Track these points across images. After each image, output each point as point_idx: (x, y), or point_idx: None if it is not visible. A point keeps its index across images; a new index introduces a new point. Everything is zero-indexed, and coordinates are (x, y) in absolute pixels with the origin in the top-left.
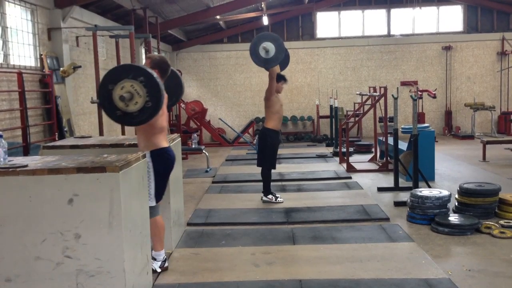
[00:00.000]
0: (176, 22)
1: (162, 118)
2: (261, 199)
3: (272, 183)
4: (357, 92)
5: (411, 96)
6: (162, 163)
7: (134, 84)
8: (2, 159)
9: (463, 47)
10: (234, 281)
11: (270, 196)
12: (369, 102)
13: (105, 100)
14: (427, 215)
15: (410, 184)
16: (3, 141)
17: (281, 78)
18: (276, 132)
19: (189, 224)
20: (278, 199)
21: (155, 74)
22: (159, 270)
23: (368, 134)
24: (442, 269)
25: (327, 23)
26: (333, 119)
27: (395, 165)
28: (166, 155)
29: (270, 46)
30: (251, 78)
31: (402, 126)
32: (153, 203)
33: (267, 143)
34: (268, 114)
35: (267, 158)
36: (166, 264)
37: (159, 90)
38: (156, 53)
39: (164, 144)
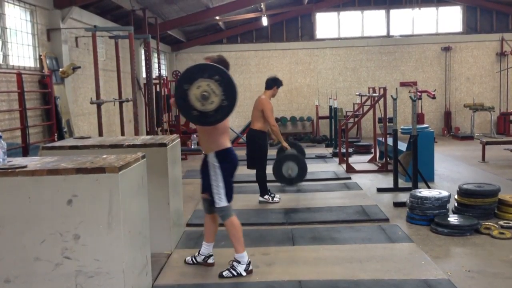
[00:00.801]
0: (175, 22)
1: (226, 120)
2: (259, 200)
3: (271, 184)
4: (357, 93)
5: (410, 96)
6: (228, 162)
7: (210, 83)
8: (1, 160)
9: (462, 47)
10: (233, 282)
11: (266, 197)
12: (368, 102)
13: (181, 100)
14: (426, 215)
15: (409, 184)
16: (2, 141)
17: (278, 84)
18: (264, 133)
19: (188, 225)
20: (275, 198)
21: (229, 72)
22: (244, 274)
23: (368, 135)
24: (441, 269)
25: (327, 23)
26: (333, 119)
27: (395, 165)
28: (231, 155)
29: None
30: (250, 79)
31: (402, 127)
32: (225, 203)
33: (256, 145)
34: (256, 117)
35: (257, 160)
36: (251, 267)
37: (234, 88)
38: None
39: (228, 144)
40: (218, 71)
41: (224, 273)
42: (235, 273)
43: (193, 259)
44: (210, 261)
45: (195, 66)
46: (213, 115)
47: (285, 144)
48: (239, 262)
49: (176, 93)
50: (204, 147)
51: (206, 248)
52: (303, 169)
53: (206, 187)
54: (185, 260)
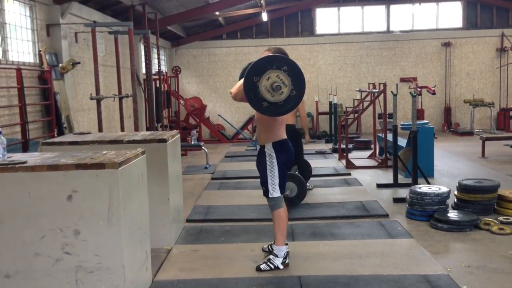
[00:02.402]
0: (175, 18)
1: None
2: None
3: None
4: (357, 89)
5: (410, 92)
6: (283, 153)
7: (280, 74)
8: (1, 156)
9: (462, 43)
10: (233, 277)
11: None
12: (368, 98)
13: (250, 93)
14: (426, 211)
15: (409, 180)
16: (2, 137)
17: None
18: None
19: (188, 221)
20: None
21: (296, 62)
22: (281, 267)
23: (368, 131)
24: (441, 265)
25: (327, 19)
26: (333, 115)
27: (394, 161)
28: (287, 146)
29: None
30: None
31: (401, 123)
32: (278, 194)
33: (299, 138)
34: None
35: (301, 152)
36: (287, 261)
37: (302, 77)
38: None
39: (285, 136)
40: (286, 62)
41: (261, 266)
42: (272, 266)
43: (269, 247)
44: (285, 249)
45: (263, 59)
46: (283, 105)
47: (308, 137)
48: (276, 256)
49: (246, 86)
50: (262, 138)
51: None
52: (302, 192)
53: (263, 179)
54: (262, 248)
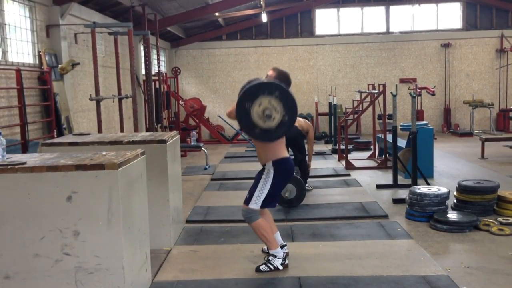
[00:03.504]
0: (174, 19)
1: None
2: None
3: None
4: (356, 90)
5: (410, 93)
6: (282, 175)
7: (272, 100)
8: (0, 156)
9: (462, 44)
10: (233, 278)
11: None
12: (368, 99)
13: (243, 119)
14: (425, 212)
15: (408, 181)
16: (1, 138)
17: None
18: None
19: (188, 222)
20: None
21: (288, 87)
22: (281, 267)
23: (367, 132)
24: (440, 266)
25: (326, 20)
26: (332, 116)
27: (394, 162)
28: (288, 165)
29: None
30: (250, 75)
31: (401, 124)
32: (256, 207)
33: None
34: None
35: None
36: (287, 261)
37: (294, 103)
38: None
39: (285, 154)
40: (278, 88)
41: (261, 267)
42: (272, 267)
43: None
44: (284, 250)
45: (255, 85)
46: (275, 131)
47: (311, 164)
48: (275, 257)
49: (238, 112)
50: (262, 158)
51: (276, 238)
52: (301, 194)
53: (252, 188)
54: (262, 249)
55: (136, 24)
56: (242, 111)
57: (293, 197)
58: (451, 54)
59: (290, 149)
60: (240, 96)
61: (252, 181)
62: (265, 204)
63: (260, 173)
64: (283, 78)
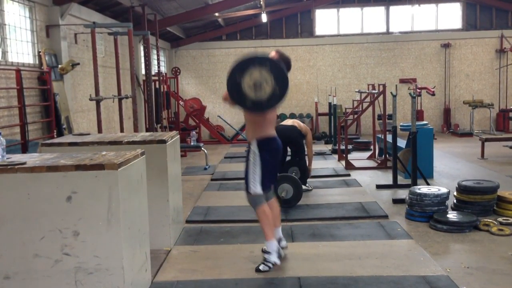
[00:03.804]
0: (174, 19)
1: (273, 114)
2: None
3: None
4: (356, 90)
5: (409, 93)
6: (268, 152)
7: (262, 72)
8: (0, 157)
9: (462, 44)
10: (233, 278)
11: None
12: (368, 99)
13: (234, 91)
14: (425, 212)
15: (408, 181)
16: (1, 138)
17: None
18: None
19: (187, 222)
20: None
21: (279, 60)
22: (278, 261)
23: (367, 132)
24: (440, 266)
25: (326, 20)
26: (332, 116)
27: (394, 162)
28: (273, 144)
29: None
30: None
31: (401, 124)
32: (258, 190)
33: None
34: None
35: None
36: (282, 253)
37: (285, 75)
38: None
39: (272, 133)
40: (269, 60)
41: (260, 267)
42: (270, 265)
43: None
44: (282, 244)
45: (245, 58)
46: (266, 103)
47: (311, 169)
48: (269, 253)
49: (229, 85)
50: (249, 136)
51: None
52: (298, 193)
53: (245, 175)
54: (262, 249)
55: (136, 24)
56: (233, 83)
57: (290, 197)
58: (451, 54)
59: (289, 149)
60: (231, 68)
61: None
62: (264, 185)
63: (246, 156)
64: (284, 60)
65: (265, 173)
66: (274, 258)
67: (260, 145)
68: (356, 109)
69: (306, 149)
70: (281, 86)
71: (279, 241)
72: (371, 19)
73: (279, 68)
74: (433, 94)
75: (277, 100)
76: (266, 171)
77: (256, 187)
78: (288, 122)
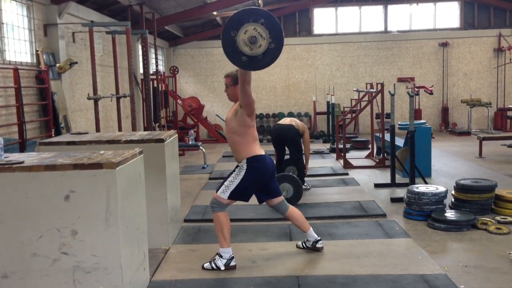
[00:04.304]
0: (172, 18)
1: (254, 128)
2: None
3: None
4: (354, 89)
5: (408, 92)
6: (256, 170)
7: (257, 27)
8: None
9: (459, 43)
10: (231, 277)
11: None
12: (366, 98)
13: (228, 48)
14: (423, 211)
15: (406, 180)
16: None
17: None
18: None
19: (186, 221)
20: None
21: (273, 15)
22: (222, 268)
23: (365, 131)
24: (438, 265)
25: (324, 19)
26: (330, 115)
27: (392, 161)
28: (262, 162)
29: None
30: None
31: (399, 123)
32: (224, 197)
33: None
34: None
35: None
36: (233, 263)
37: (280, 30)
38: None
39: (260, 152)
40: (263, 14)
41: (205, 265)
42: (214, 266)
43: (303, 244)
44: (318, 245)
45: (239, 12)
46: (262, 59)
47: (308, 167)
48: (221, 256)
49: (224, 41)
50: (237, 157)
51: (310, 236)
52: (298, 192)
53: (225, 178)
54: (296, 244)
55: (134, 23)
56: (228, 39)
57: (290, 196)
58: (449, 53)
59: (287, 148)
60: (226, 24)
61: None
62: (234, 196)
63: (235, 168)
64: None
65: (242, 190)
66: (221, 263)
67: (249, 164)
68: (354, 108)
69: (303, 147)
70: (277, 41)
71: (316, 242)
72: (369, 18)
73: (275, 22)
74: (431, 93)
75: (272, 56)
76: (244, 188)
77: (225, 194)
78: (286, 121)
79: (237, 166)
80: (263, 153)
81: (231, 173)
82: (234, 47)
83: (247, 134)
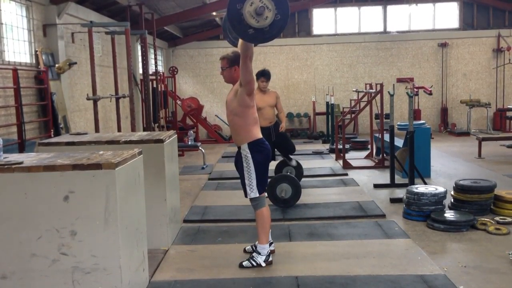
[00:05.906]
0: (172, 18)
1: (254, 109)
2: None
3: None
4: (354, 89)
5: (407, 93)
6: (259, 153)
7: None
8: None
9: (459, 44)
10: (231, 278)
11: None
12: (365, 99)
13: (235, 21)
14: (423, 211)
15: (406, 180)
16: None
17: (258, 76)
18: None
19: (185, 221)
20: None
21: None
22: (263, 264)
23: (364, 131)
24: (437, 265)
25: (323, 19)
26: (330, 115)
27: (391, 161)
28: (263, 146)
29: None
30: None
31: (398, 123)
32: (256, 194)
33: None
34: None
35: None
36: (270, 259)
37: (286, 2)
38: None
39: (260, 135)
40: None
41: (244, 263)
42: (254, 264)
43: (253, 247)
44: (270, 248)
45: None
46: (268, 30)
47: (284, 125)
48: (259, 253)
49: (229, 15)
50: (237, 140)
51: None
52: (297, 192)
53: (241, 180)
54: (244, 249)
55: (133, 24)
56: (234, 13)
57: (289, 196)
58: (448, 53)
59: (278, 151)
60: None
61: None
62: (261, 186)
63: (237, 160)
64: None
65: (260, 175)
66: (261, 260)
67: (252, 148)
68: (354, 109)
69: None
70: (282, 12)
71: (270, 243)
72: (368, 19)
73: None
74: (430, 94)
75: (279, 27)
76: (261, 172)
77: (254, 192)
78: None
79: (239, 155)
80: (261, 136)
81: (242, 170)
82: (240, 20)
83: (247, 116)
